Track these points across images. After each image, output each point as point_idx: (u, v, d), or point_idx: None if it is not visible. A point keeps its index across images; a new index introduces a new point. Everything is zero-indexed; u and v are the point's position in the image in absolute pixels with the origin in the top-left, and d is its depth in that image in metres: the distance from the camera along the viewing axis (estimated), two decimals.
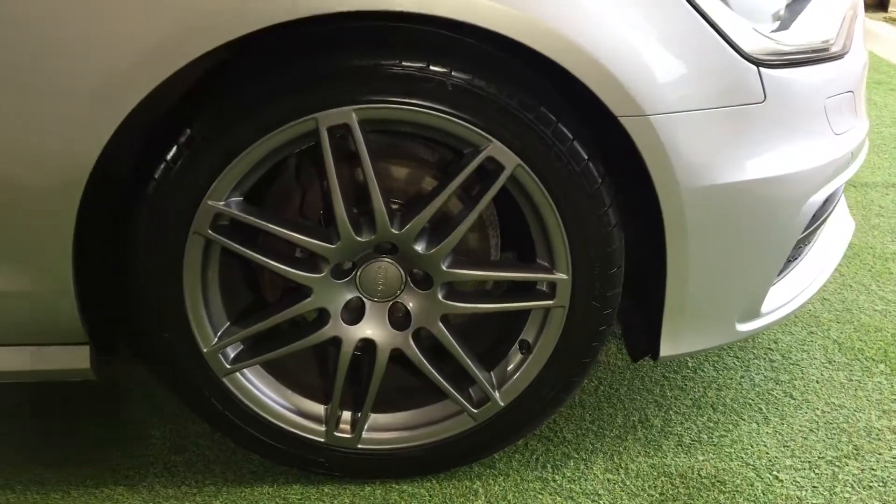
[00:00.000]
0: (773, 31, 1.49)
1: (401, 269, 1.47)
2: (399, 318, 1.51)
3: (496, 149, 1.36)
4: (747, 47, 1.40)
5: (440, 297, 1.47)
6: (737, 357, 1.98)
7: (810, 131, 1.51)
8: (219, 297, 1.48)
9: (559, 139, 1.36)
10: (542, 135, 1.35)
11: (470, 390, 1.57)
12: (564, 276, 1.46)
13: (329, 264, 1.44)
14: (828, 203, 1.74)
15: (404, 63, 1.31)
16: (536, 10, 1.26)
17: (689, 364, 1.95)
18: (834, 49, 1.58)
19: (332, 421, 1.55)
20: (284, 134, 1.33)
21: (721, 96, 1.39)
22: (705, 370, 1.94)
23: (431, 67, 1.31)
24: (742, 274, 1.54)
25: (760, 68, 1.41)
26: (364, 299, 1.50)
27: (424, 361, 1.51)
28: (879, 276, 2.36)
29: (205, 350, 1.47)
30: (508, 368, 1.56)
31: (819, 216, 1.70)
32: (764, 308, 1.63)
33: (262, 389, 1.54)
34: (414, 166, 1.48)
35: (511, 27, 1.26)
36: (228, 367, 1.49)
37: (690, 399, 1.84)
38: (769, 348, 2.01)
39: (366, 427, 1.57)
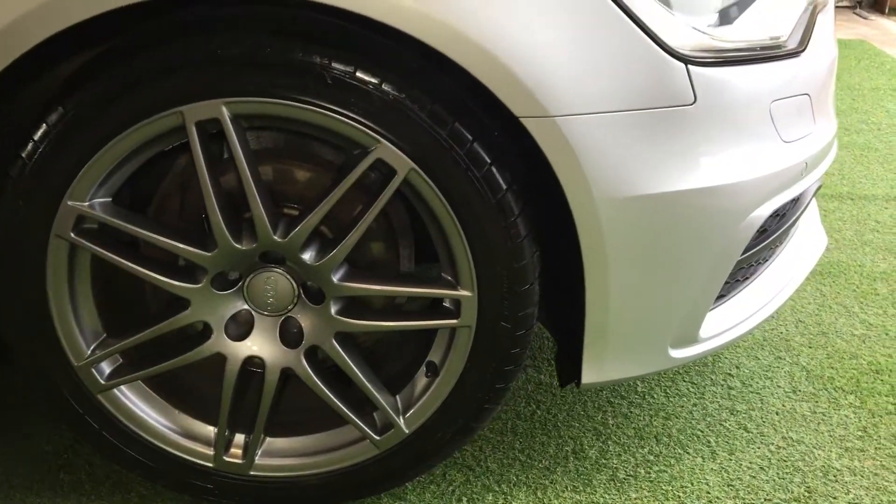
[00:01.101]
0: (711, 26, 1.34)
1: (292, 281, 1.34)
2: (291, 335, 1.37)
3: (385, 150, 1.22)
4: (674, 42, 1.25)
5: (333, 312, 1.33)
6: (692, 382, 1.82)
7: (752, 138, 1.35)
8: (92, 306, 1.35)
9: (457, 141, 1.22)
10: (436, 136, 1.21)
11: (374, 415, 1.43)
12: (469, 294, 1.31)
13: (208, 274, 1.31)
14: (783, 217, 1.58)
15: (277, 52, 1.17)
16: None
17: (639, 388, 1.80)
18: (787, 47, 1.42)
19: (220, 444, 1.42)
20: (149, 128, 1.21)
21: (642, 97, 1.24)
22: (655, 395, 1.78)
23: (307, 57, 1.17)
24: (672, 296, 1.38)
25: (690, 66, 1.26)
26: (253, 312, 1.37)
27: (318, 383, 1.37)
28: (864, 297, 2.18)
29: (76, 364, 1.35)
30: (415, 392, 1.42)
31: (770, 232, 1.54)
32: (704, 332, 1.47)
33: (143, 408, 1.41)
34: (314, 168, 1.35)
35: (382, 11, 1.12)
36: (104, 383, 1.37)
37: (633, 428, 1.68)
38: (729, 373, 1.85)
39: (259, 452, 1.43)
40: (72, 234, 1.26)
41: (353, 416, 1.39)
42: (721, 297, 1.52)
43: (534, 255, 1.31)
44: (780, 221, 1.58)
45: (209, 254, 1.28)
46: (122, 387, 1.40)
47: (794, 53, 1.43)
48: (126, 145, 1.22)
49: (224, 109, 1.19)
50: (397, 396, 1.42)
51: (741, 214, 1.37)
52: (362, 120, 1.20)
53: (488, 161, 1.24)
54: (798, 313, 2.09)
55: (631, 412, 1.72)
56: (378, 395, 1.38)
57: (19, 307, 1.31)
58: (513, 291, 1.31)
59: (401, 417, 1.41)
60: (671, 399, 1.77)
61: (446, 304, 1.34)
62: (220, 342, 1.35)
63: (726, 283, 1.50)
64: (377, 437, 1.41)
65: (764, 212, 1.40)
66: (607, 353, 1.40)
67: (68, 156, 1.21)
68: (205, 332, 1.35)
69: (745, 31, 1.38)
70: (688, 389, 1.80)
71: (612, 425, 1.69)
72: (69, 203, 1.24)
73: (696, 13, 1.31)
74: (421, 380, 1.41)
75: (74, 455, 1.59)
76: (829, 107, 1.58)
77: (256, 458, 1.43)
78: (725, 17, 1.38)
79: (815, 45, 1.49)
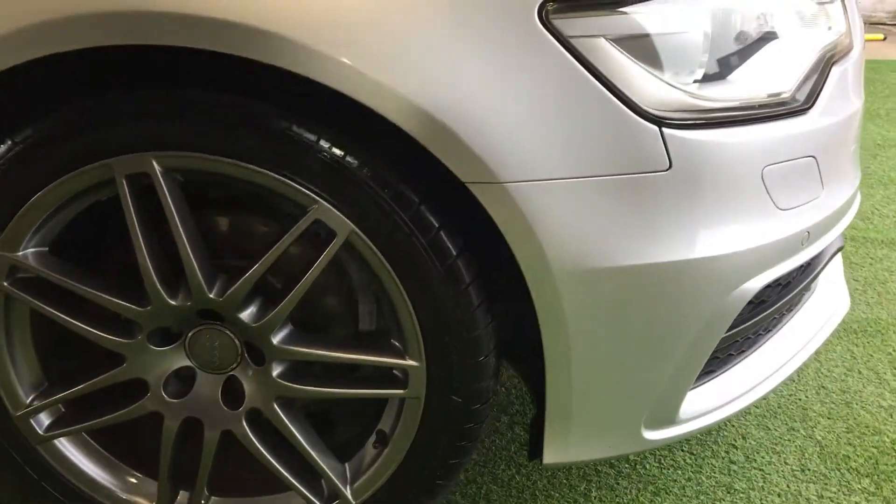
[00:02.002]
0: (697, 83, 1.21)
1: (235, 340, 1.26)
2: (233, 395, 1.30)
3: (324, 211, 1.13)
4: (647, 102, 1.13)
5: (274, 375, 1.25)
6: (690, 452, 1.68)
7: (739, 206, 1.22)
8: (33, 355, 1.31)
9: (401, 204, 1.12)
10: (378, 198, 1.12)
11: (323, 482, 1.35)
12: (416, 364, 1.22)
13: (143, 330, 1.24)
14: (786, 287, 1.43)
15: (208, 106, 1.10)
16: (340, 51, 1.03)
17: (631, 456, 1.67)
18: (790, 104, 1.28)
19: (163, 502, 1.36)
20: (80, 179, 1.15)
21: (608, 163, 1.12)
22: (648, 466, 1.65)
23: (239, 112, 1.10)
24: (644, 376, 1.26)
25: (664, 129, 1.14)
26: (196, 370, 1.30)
27: (258, 447, 1.29)
28: None
29: (14, 414, 1.31)
30: (364, 462, 1.33)
31: (769, 303, 1.40)
32: (685, 413, 1.34)
33: (85, 461, 1.36)
34: (257, 225, 1.27)
35: (313, 69, 1.04)
36: (42, 434, 1.32)
37: (618, 503, 1.56)
38: (733, 444, 1.70)
39: None
40: (5, 284, 1.21)
41: (295, 482, 1.31)
42: (709, 372, 1.39)
43: (488, 326, 1.21)
44: (783, 291, 1.44)
45: (143, 309, 1.22)
46: (63, 439, 1.35)
47: (797, 111, 1.29)
48: (57, 195, 1.16)
49: (154, 163, 1.13)
50: (346, 464, 1.33)
51: (725, 289, 1.24)
52: (298, 179, 1.12)
53: (436, 226, 1.14)
54: (822, 377, 1.92)
55: (618, 484, 1.60)
56: (322, 462, 1.29)
57: None
58: (464, 364, 1.21)
59: (348, 487, 1.32)
60: (664, 471, 1.63)
61: (396, 372, 1.25)
62: (158, 400, 1.29)
63: (714, 358, 1.38)
64: None
65: (754, 285, 1.26)
66: (571, 432, 1.28)
67: None
68: (143, 388, 1.29)
69: (739, 88, 1.24)
70: (684, 461, 1.66)
71: (595, 498, 1.57)
72: (0, 253, 1.19)
73: (680, 68, 1.18)
74: (370, 449, 1.32)
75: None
76: (845, 166, 1.43)
77: None
78: (717, 73, 1.25)
79: (827, 99, 1.34)
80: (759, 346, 1.48)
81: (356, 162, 1.11)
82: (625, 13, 1.12)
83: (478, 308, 1.19)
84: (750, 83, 1.26)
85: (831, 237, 1.42)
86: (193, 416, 1.30)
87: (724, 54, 1.26)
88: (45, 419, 1.33)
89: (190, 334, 1.26)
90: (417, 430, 1.27)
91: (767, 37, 1.33)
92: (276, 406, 1.27)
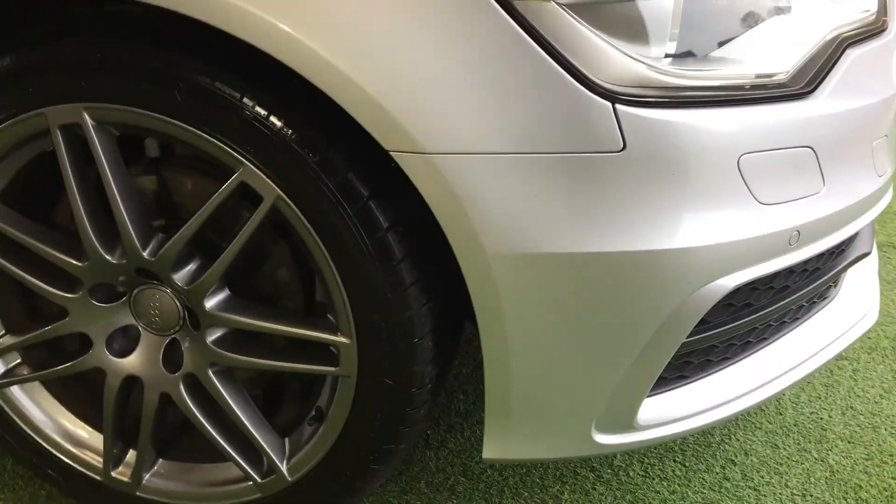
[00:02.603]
0: (670, 56, 1.10)
1: (177, 302, 1.24)
2: (173, 358, 1.28)
3: (250, 174, 1.09)
4: (599, 74, 1.03)
5: (208, 341, 1.22)
6: (683, 464, 1.56)
7: (706, 196, 1.10)
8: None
9: (327, 171, 1.07)
10: (303, 163, 1.06)
11: (264, 457, 1.31)
12: (347, 341, 1.16)
13: (84, 285, 1.23)
14: (782, 291, 1.29)
15: (133, 57, 1.07)
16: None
17: (617, 460, 1.56)
18: (784, 87, 1.15)
19: (108, 459, 1.35)
20: (18, 128, 1.14)
21: (551, 139, 1.03)
22: (632, 474, 1.53)
23: (162, 66, 1.06)
24: (592, 375, 1.15)
25: (618, 105, 1.03)
26: (140, 329, 1.28)
27: (195, 413, 1.26)
28: None
29: None
30: (302, 438, 1.29)
31: (757, 307, 1.26)
32: (645, 419, 1.23)
33: (38, 411, 1.37)
34: (194, 186, 1.23)
35: (230, 21, 0.99)
36: None
37: None
38: (732, 459, 1.57)
39: (149, 473, 1.35)
40: None
41: (233, 453, 1.28)
42: (680, 378, 1.28)
43: (423, 307, 1.14)
44: (775, 296, 1.30)
45: (81, 264, 1.21)
46: (20, 390, 1.36)
47: (793, 96, 1.16)
48: (11, 134, 1.16)
49: (85, 114, 1.10)
50: (286, 439, 1.29)
51: (687, 287, 1.12)
52: (222, 138, 1.07)
53: (364, 195, 1.08)
54: (853, 397, 1.75)
55: (594, 490, 1.50)
56: (257, 435, 1.26)
57: None
58: (395, 345, 1.14)
59: (284, 463, 1.28)
60: (649, 481, 1.52)
61: (333, 349, 1.20)
62: (99, 356, 1.28)
63: (686, 363, 1.26)
64: (259, 480, 1.29)
65: (724, 285, 1.14)
66: (512, 428, 1.20)
67: None
68: (86, 343, 1.29)
69: (720, 66, 1.13)
70: (673, 472, 1.54)
71: (566, 501, 1.47)
72: None
73: (646, 40, 1.07)
74: (307, 426, 1.28)
75: None
76: (861, 161, 1.28)
77: (144, 479, 1.35)
78: (697, 47, 1.13)
79: (837, 85, 1.20)
80: (749, 355, 1.35)
81: (281, 123, 1.06)
82: None
83: (410, 287, 1.12)
84: (735, 61, 1.14)
85: (836, 240, 1.28)
86: (135, 375, 1.28)
87: (708, 28, 1.15)
88: (2, 365, 1.34)
89: (134, 293, 1.25)
90: (350, 409, 1.21)
91: (765, 12, 1.20)
92: (210, 373, 1.24)
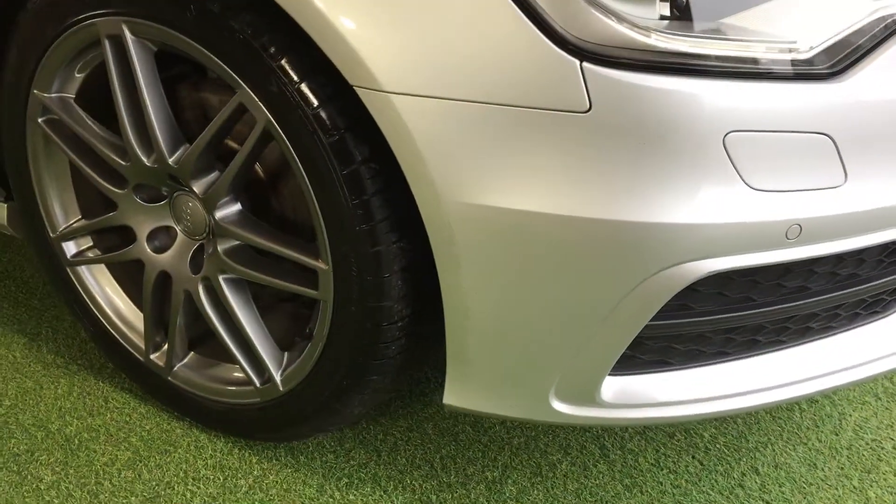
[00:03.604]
0: (665, 18, 1.03)
1: (203, 210, 1.35)
2: (197, 261, 1.40)
3: (246, 96, 1.17)
4: (573, 28, 1.00)
5: (220, 250, 1.33)
6: (700, 461, 1.47)
7: (683, 172, 1.03)
8: (71, 190, 1.51)
9: (305, 99, 1.12)
10: (288, 90, 1.12)
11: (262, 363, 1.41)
12: (325, 267, 1.22)
13: (129, 183, 1.38)
14: (796, 292, 1.18)
15: None
16: None
17: (632, 443, 1.50)
18: (800, 66, 1.04)
19: (148, 343, 1.51)
20: (79, 35, 1.29)
21: (512, 90, 1.02)
22: (641, 460, 1.47)
23: None
24: (549, 338, 1.14)
25: (586, 63, 1.00)
26: (178, 231, 1.42)
27: (209, 313, 1.38)
28: None
29: (51, 236, 1.53)
30: (295, 353, 1.37)
31: (751, 304, 1.16)
32: (610, 396, 1.19)
33: (103, 291, 1.56)
34: (218, 102, 1.33)
35: None
36: (70, 259, 1.53)
37: (574, 489, 1.42)
38: (755, 469, 1.45)
39: (180, 363, 1.50)
40: (39, 121, 1.42)
41: (239, 356, 1.39)
42: (661, 362, 1.21)
43: (392, 245, 1.17)
44: (790, 295, 1.18)
45: (126, 164, 1.35)
46: (87, 270, 1.55)
47: (812, 76, 1.05)
48: (68, 46, 1.31)
49: (125, 27, 1.23)
50: (286, 353, 1.38)
51: (650, 265, 1.07)
52: (224, 60, 1.16)
53: (340, 128, 1.12)
54: None
55: (594, 467, 1.46)
56: (256, 341, 1.36)
57: (15, 178, 1.51)
58: (363, 278, 1.19)
59: (279, 373, 1.37)
60: (655, 470, 1.45)
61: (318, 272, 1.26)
62: (140, 249, 1.43)
63: (669, 348, 1.19)
64: (258, 385, 1.39)
65: (696, 269, 1.07)
66: (471, 378, 1.21)
67: (29, 52, 1.35)
68: (130, 236, 1.44)
69: (726, 34, 1.04)
70: (686, 468, 1.46)
71: (561, 472, 1.45)
72: (34, 91, 1.39)
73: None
74: (301, 344, 1.35)
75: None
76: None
77: (175, 367, 1.50)
78: (709, 9, 1.05)
79: (874, 72, 1.07)
80: (757, 354, 1.24)
81: (267, 50, 1.12)
82: None
83: (379, 223, 1.15)
84: (748, 31, 1.05)
85: (867, 243, 1.14)
86: (166, 270, 1.42)
87: None
88: (73, 247, 1.54)
89: (173, 197, 1.38)
90: (327, 334, 1.27)
91: None
92: (221, 279, 1.35)
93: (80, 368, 1.66)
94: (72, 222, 1.52)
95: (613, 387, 1.19)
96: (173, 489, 1.41)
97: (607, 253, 1.07)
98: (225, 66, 1.16)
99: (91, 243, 1.55)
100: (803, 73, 1.05)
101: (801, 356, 1.26)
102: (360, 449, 1.49)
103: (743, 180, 1.05)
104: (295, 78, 1.12)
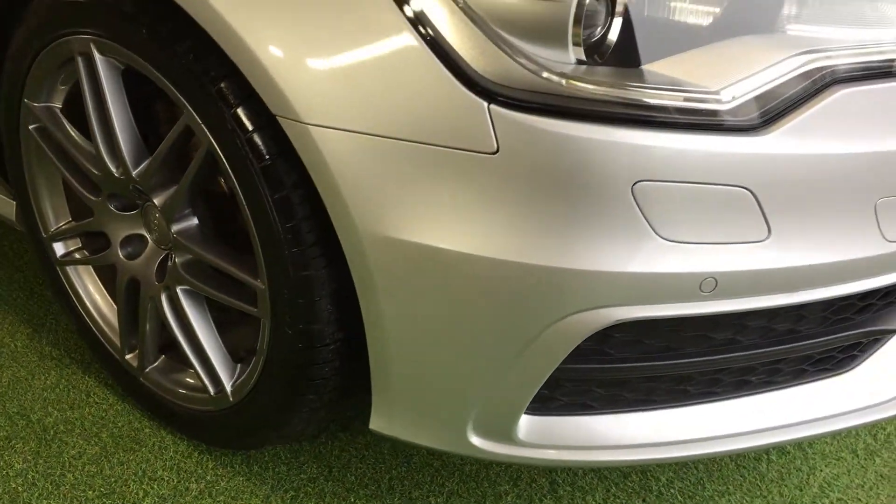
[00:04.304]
0: (582, 62, 1.02)
1: (164, 222, 1.40)
2: (164, 270, 1.45)
3: (191, 118, 1.21)
4: (486, 71, 1.01)
5: (178, 262, 1.38)
6: (720, 489, 1.44)
7: (590, 219, 1.03)
8: (62, 193, 1.59)
9: (240, 124, 1.15)
10: (226, 115, 1.16)
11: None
12: (262, 287, 1.25)
13: (102, 192, 1.44)
14: (726, 345, 1.15)
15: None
16: None
17: (583, 480, 1.48)
18: (723, 117, 1.02)
19: (124, 343, 1.57)
20: (58, 49, 1.36)
21: (421, 129, 1.04)
22: (589, 499, 1.45)
23: (131, 9, 1.21)
24: (462, 372, 1.14)
25: (493, 106, 1.00)
26: (149, 240, 1.48)
27: (171, 322, 1.44)
28: None
29: (43, 236, 1.61)
30: (246, 367, 1.40)
31: (673, 353, 1.14)
32: (527, 435, 1.18)
33: (88, 290, 1.63)
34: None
35: None
36: (59, 258, 1.61)
37: None
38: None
39: (151, 366, 1.56)
40: (30, 128, 1.50)
41: (195, 363, 1.44)
42: (583, 405, 1.19)
43: (322, 269, 1.19)
44: (719, 347, 1.15)
45: (98, 173, 1.42)
46: (74, 270, 1.63)
47: (733, 128, 1.02)
48: (51, 58, 1.38)
49: (93, 46, 1.30)
50: (239, 365, 1.42)
51: (557, 309, 1.06)
52: (171, 82, 1.21)
53: (271, 154, 1.15)
54: None
55: (539, 502, 1.44)
56: (209, 351, 1.40)
57: (14, 179, 1.61)
58: (295, 300, 1.21)
59: (230, 384, 1.41)
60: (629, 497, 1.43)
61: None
62: (113, 255, 1.50)
63: (587, 391, 1.18)
64: (212, 393, 1.44)
65: (604, 317, 1.06)
66: (394, 405, 1.23)
67: (18, 63, 1.44)
68: (105, 241, 1.51)
69: (643, 81, 1.03)
70: (706, 494, 1.43)
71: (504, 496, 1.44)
72: (24, 100, 1.47)
73: (545, 41, 1.01)
74: (248, 357, 1.39)
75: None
76: (853, 217, 1.09)
77: (147, 368, 1.56)
78: (621, 56, 1.04)
79: (807, 126, 1.03)
80: (687, 404, 1.21)
81: (211, 74, 1.16)
82: None
83: (309, 247, 1.18)
84: (666, 79, 1.03)
85: (791, 300, 1.10)
86: (136, 277, 1.49)
87: (651, 38, 1.05)
88: (62, 248, 1.62)
89: (144, 206, 1.44)
90: (266, 350, 1.31)
91: (726, 28, 1.06)
92: (178, 290, 1.40)
93: (72, 362, 1.75)
94: (61, 224, 1.60)
95: (531, 426, 1.19)
96: (128, 487, 1.47)
97: (516, 295, 1.07)
98: (173, 89, 1.21)
99: (80, 245, 1.63)
100: (723, 124, 1.02)
101: (735, 410, 1.23)
102: (312, 463, 1.52)
103: (653, 230, 1.03)
104: (232, 103, 1.16)
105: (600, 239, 1.03)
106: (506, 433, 1.19)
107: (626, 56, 1.04)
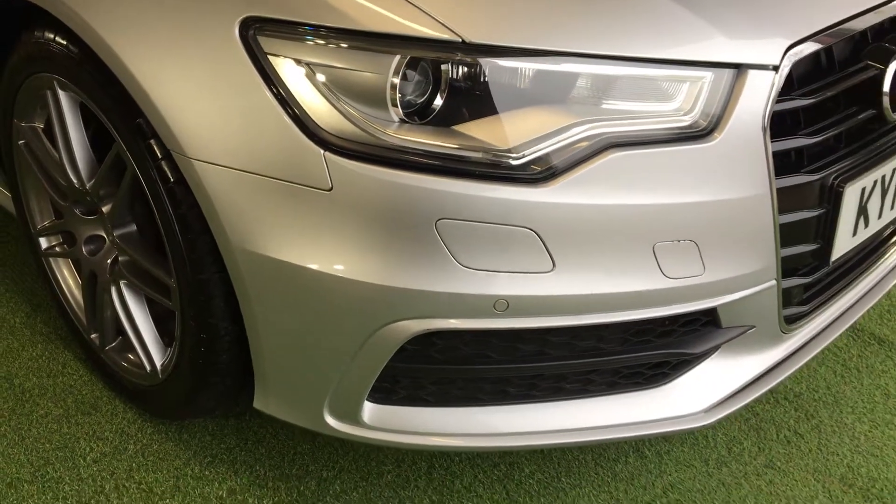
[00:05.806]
0: (405, 121, 1.27)
1: (110, 226, 1.69)
2: (114, 266, 1.75)
3: (119, 146, 1.50)
4: (325, 125, 1.27)
5: (120, 260, 1.67)
6: (508, 493, 1.66)
7: (403, 247, 1.28)
8: (46, 196, 1.90)
9: (152, 154, 1.43)
10: (140, 145, 1.44)
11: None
12: (173, 285, 1.53)
13: (69, 198, 1.75)
14: (531, 356, 1.37)
15: (44, 35, 1.56)
16: None
17: (461, 462, 1.71)
18: (512, 169, 1.25)
19: (90, 326, 1.88)
20: (34, 82, 1.67)
21: (276, 167, 1.31)
22: (458, 482, 1.68)
23: (70, 50, 1.52)
24: (315, 360, 1.41)
25: (328, 153, 1.26)
26: (107, 240, 1.77)
27: (116, 307, 1.73)
28: None
29: (33, 231, 1.93)
30: (171, 351, 1.69)
31: (490, 360, 1.37)
32: (370, 419, 1.43)
33: (66, 279, 1.94)
34: None
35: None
36: (44, 251, 1.93)
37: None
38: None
39: (111, 345, 1.85)
40: (19, 143, 1.81)
41: (137, 346, 1.73)
42: (420, 400, 1.43)
43: (214, 274, 1.46)
44: (527, 357, 1.38)
45: (65, 183, 1.72)
46: (54, 260, 1.94)
47: (520, 179, 1.26)
48: (33, 88, 1.70)
49: (55, 83, 1.60)
50: (168, 349, 1.70)
51: (377, 317, 1.31)
52: (107, 118, 1.50)
53: (173, 179, 1.42)
54: None
55: (411, 484, 1.68)
56: (144, 334, 1.69)
57: (11, 182, 1.93)
58: (195, 298, 1.49)
59: (159, 362, 1.70)
60: (460, 493, 1.66)
61: None
62: (79, 251, 1.80)
63: (422, 387, 1.42)
64: (148, 371, 1.73)
65: (413, 327, 1.31)
66: (269, 388, 1.49)
67: (10, 93, 1.75)
68: (73, 239, 1.82)
69: (449, 137, 1.26)
70: (493, 496, 1.66)
71: (382, 483, 1.69)
72: (14, 121, 1.79)
73: (370, 104, 1.26)
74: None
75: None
76: (634, 257, 1.30)
77: (106, 347, 1.86)
78: (434, 116, 1.27)
79: (586, 181, 1.26)
80: (511, 403, 1.44)
81: (133, 113, 1.44)
82: (320, 44, 1.25)
83: (204, 256, 1.45)
84: (469, 137, 1.26)
85: (576, 321, 1.32)
86: (94, 270, 1.79)
87: (459, 101, 1.28)
88: (45, 242, 1.93)
89: (103, 211, 1.74)
90: (180, 337, 1.58)
91: (527, 98, 1.28)
92: (121, 283, 1.70)
93: (57, 338, 2.07)
94: (45, 222, 1.92)
95: (375, 412, 1.44)
96: (79, 444, 1.77)
97: (350, 305, 1.32)
98: (107, 122, 1.50)
99: (60, 240, 1.94)
100: (513, 176, 1.25)
101: (550, 411, 1.45)
102: (233, 435, 1.80)
103: (454, 258, 1.27)
104: (147, 136, 1.44)
105: (411, 263, 1.27)
106: (353, 416, 1.44)
107: (444, 117, 1.28)
